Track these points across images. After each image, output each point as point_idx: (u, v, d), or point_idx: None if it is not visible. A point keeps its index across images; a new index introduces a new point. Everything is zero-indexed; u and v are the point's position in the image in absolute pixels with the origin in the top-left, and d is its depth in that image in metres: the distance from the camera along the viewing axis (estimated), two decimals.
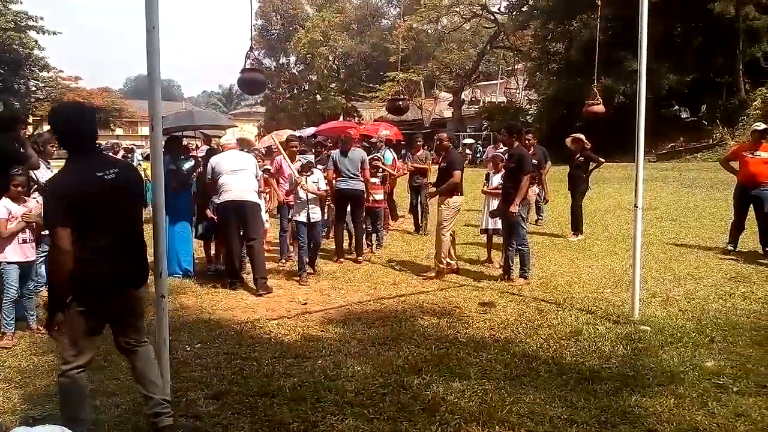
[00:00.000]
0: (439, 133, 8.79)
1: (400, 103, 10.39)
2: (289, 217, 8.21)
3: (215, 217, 7.46)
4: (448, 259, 7.66)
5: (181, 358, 4.69)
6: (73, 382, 3.22)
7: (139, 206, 3.52)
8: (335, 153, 8.91)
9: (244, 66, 6.88)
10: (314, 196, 7.47)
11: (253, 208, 7.05)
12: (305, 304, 6.42)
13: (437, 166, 8.46)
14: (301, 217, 7.43)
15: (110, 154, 12.60)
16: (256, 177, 7.22)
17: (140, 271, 3.38)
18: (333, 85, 47.61)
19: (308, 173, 7.49)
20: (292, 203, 8.30)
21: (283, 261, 8.47)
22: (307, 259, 7.60)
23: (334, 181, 8.59)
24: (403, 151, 13.42)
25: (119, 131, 59.24)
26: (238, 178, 6.93)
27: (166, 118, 10.21)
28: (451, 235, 7.68)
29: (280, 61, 50.76)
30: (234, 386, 4.18)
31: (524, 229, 7.30)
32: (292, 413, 3.74)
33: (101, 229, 3.12)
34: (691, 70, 28.19)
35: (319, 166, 8.37)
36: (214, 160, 7.15)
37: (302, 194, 7.38)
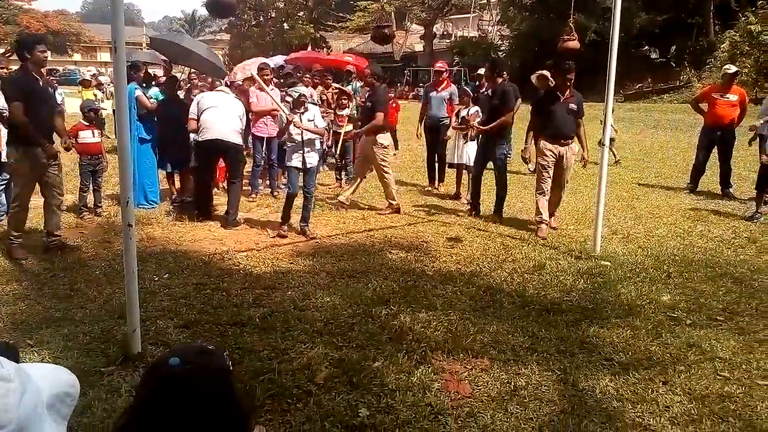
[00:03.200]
0: (369, 67, 8.28)
1: (387, 30, 9.92)
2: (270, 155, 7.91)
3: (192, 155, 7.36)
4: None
5: (149, 288, 4.69)
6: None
7: (49, 103, 5.54)
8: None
9: None
10: (310, 137, 6.35)
11: (236, 150, 6.99)
12: (274, 237, 6.43)
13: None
14: (295, 162, 6.38)
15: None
16: (240, 117, 6.99)
17: (47, 134, 5.40)
18: (301, 14, 45.98)
19: (302, 110, 6.39)
20: (262, 135, 8.18)
21: (253, 196, 8.37)
22: (293, 214, 6.57)
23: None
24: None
25: (77, 56, 56.70)
26: (218, 116, 6.73)
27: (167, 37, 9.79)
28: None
29: None
30: (204, 315, 4.21)
31: None
32: (262, 341, 3.80)
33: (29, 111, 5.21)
34: (664, 9, 28.06)
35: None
36: (199, 97, 7.05)
37: (296, 135, 6.31)
